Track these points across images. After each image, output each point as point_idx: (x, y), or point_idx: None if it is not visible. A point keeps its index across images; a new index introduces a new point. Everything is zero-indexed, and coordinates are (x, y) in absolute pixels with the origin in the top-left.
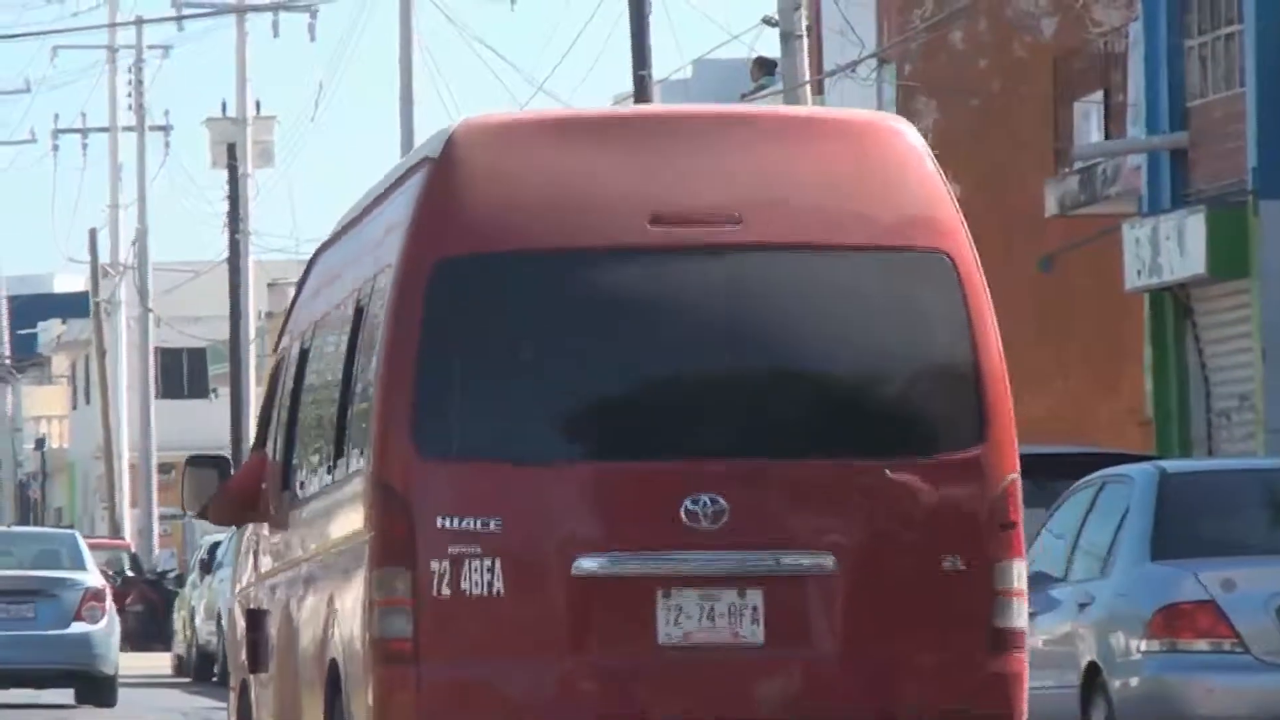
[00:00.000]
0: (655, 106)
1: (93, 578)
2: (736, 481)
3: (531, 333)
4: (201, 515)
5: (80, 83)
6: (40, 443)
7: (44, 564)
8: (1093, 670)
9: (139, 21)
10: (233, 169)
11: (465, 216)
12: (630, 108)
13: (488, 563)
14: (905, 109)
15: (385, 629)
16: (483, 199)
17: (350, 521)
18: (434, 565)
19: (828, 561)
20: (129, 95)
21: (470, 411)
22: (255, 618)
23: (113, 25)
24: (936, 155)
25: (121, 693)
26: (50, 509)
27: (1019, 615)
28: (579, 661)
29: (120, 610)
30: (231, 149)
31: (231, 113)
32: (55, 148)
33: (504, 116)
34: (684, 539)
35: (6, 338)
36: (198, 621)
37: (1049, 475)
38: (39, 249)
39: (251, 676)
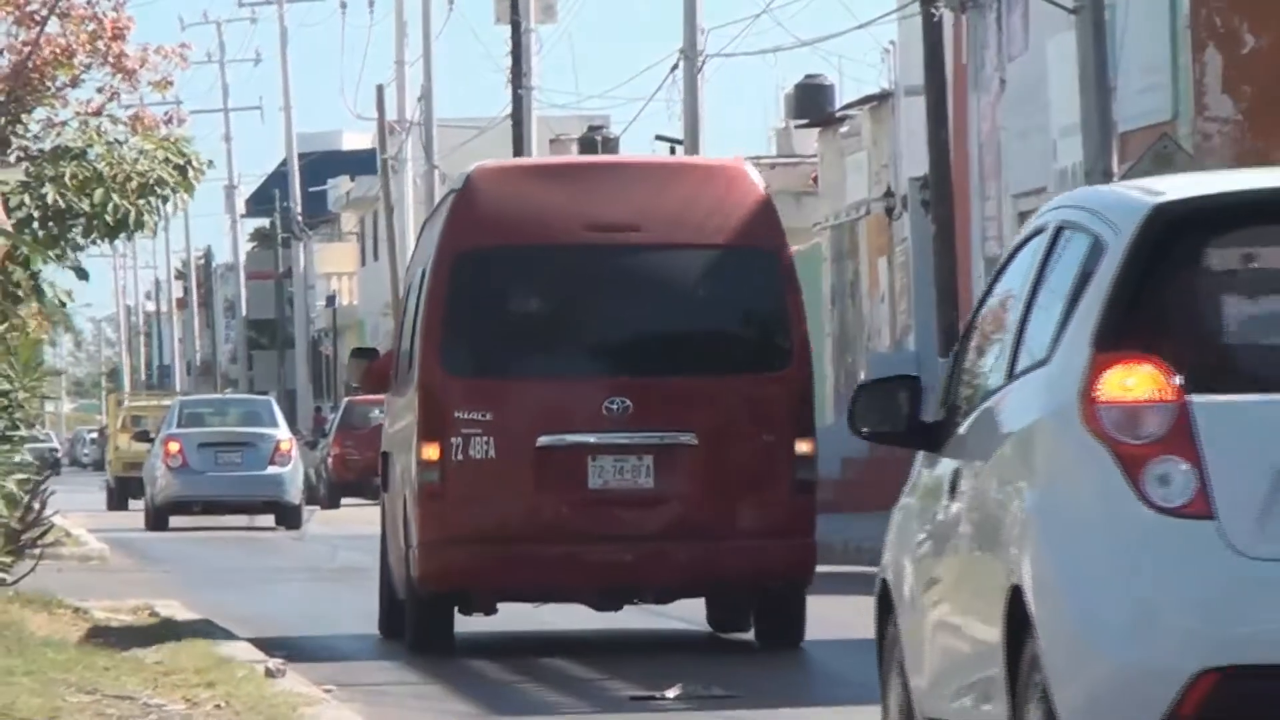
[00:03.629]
0: (593, 157)
1: (282, 432)
2: (637, 390)
3: (513, 297)
4: (359, 387)
5: None
6: (331, 299)
7: (249, 422)
8: None
9: None
10: (516, 24)
11: (475, 227)
12: (578, 158)
13: (485, 439)
14: None
15: (424, 478)
16: (486, 216)
17: (412, 408)
18: (453, 440)
19: (691, 438)
20: None
21: (476, 346)
22: (385, 458)
23: None
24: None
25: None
26: (341, 365)
27: (811, 471)
28: (540, 499)
29: None
30: (515, 4)
31: None
32: (343, 5)
33: (502, 163)
34: (604, 425)
35: (298, 195)
36: None
37: None
38: (327, 107)
39: (385, 494)
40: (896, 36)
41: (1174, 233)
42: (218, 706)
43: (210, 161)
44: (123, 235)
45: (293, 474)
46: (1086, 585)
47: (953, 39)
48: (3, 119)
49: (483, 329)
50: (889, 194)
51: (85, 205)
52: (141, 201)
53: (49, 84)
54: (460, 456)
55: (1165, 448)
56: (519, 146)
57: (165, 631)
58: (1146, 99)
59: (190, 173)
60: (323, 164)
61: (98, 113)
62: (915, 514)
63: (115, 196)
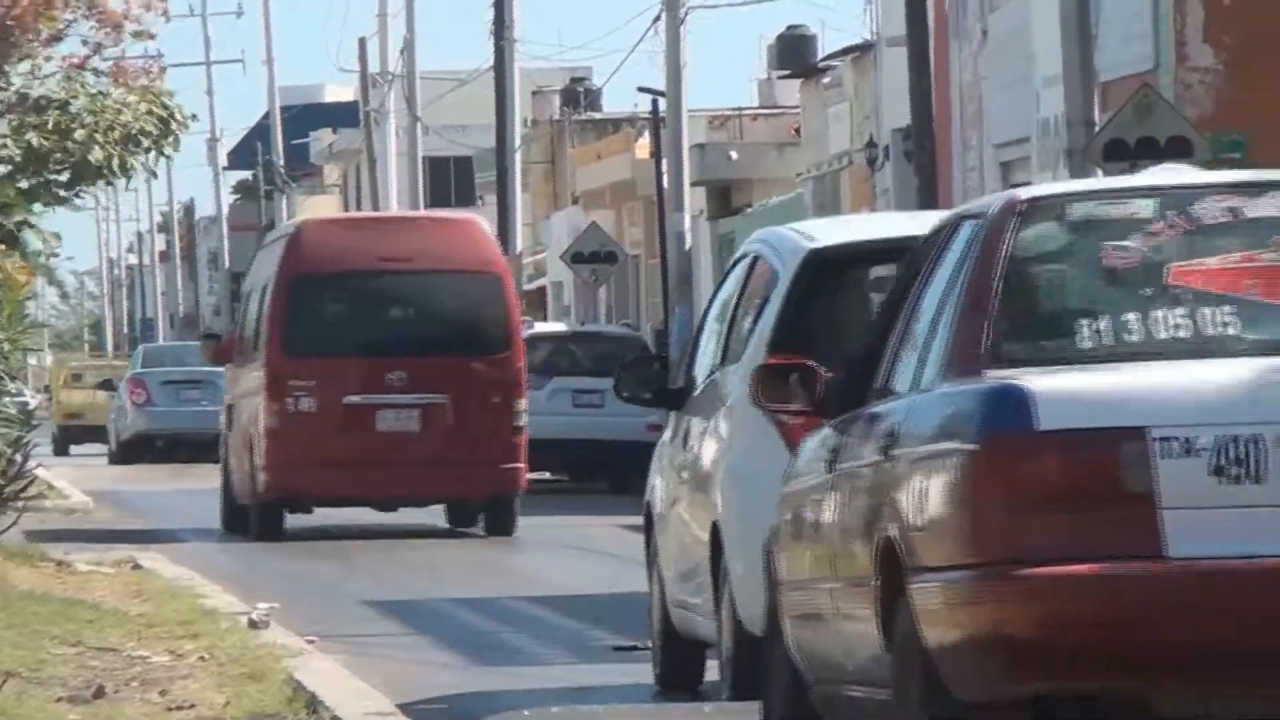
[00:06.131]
0: (382, 213)
1: None
2: (410, 366)
3: (330, 304)
4: (208, 360)
5: None
6: None
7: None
8: None
9: None
10: None
11: (304, 258)
12: (371, 214)
13: (310, 399)
14: None
15: (269, 424)
16: (311, 251)
17: (259, 375)
18: (288, 399)
19: (444, 399)
20: None
21: (304, 336)
22: (229, 410)
23: None
24: None
25: None
26: None
27: (524, 419)
28: (346, 439)
29: None
30: None
31: None
32: None
33: (320, 216)
34: (388, 389)
35: (280, 148)
36: None
37: None
38: (310, 59)
39: (228, 433)
40: None
41: (821, 270)
42: (202, 658)
43: (194, 115)
44: (105, 183)
45: None
46: (755, 519)
47: None
48: None
49: (309, 325)
50: (871, 144)
51: (66, 151)
52: (122, 150)
53: (30, 36)
54: (293, 409)
55: (812, 422)
56: (501, 99)
57: (148, 584)
58: (1128, 49)
59: (174, 125)
60: (305, 116)
61: (81, 66)
62: (665, 456)
63: (99, 137)
